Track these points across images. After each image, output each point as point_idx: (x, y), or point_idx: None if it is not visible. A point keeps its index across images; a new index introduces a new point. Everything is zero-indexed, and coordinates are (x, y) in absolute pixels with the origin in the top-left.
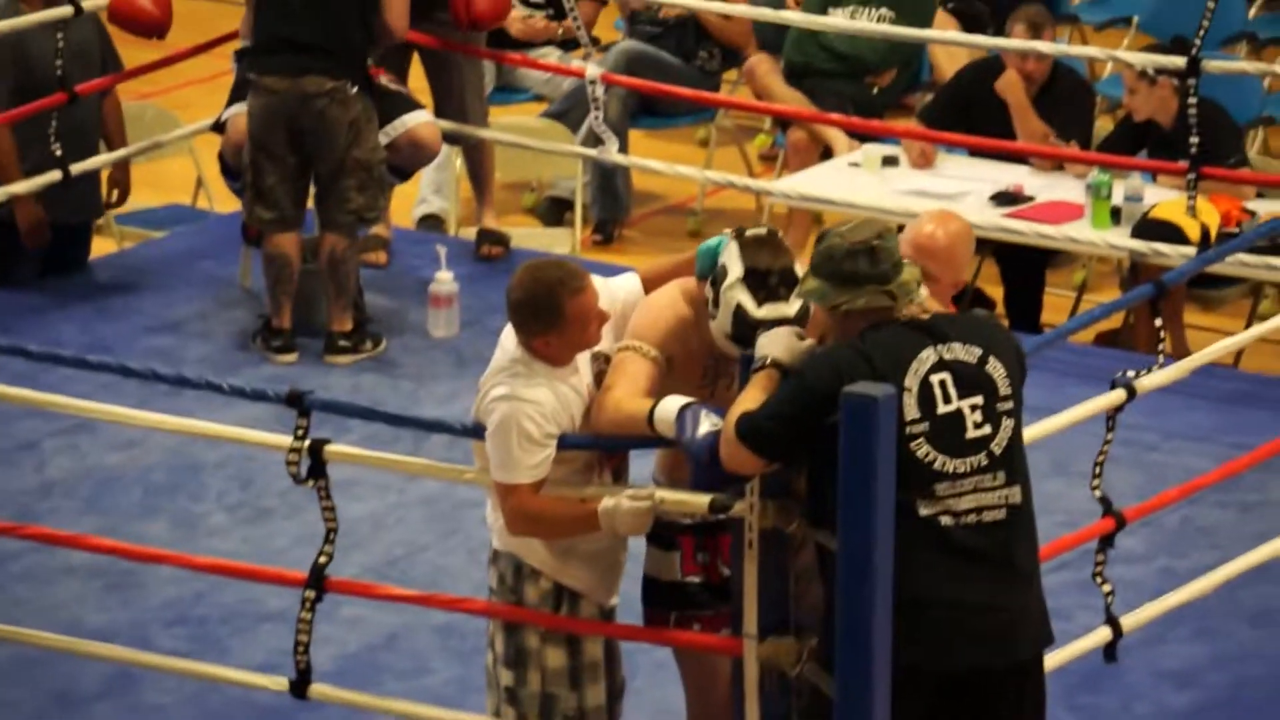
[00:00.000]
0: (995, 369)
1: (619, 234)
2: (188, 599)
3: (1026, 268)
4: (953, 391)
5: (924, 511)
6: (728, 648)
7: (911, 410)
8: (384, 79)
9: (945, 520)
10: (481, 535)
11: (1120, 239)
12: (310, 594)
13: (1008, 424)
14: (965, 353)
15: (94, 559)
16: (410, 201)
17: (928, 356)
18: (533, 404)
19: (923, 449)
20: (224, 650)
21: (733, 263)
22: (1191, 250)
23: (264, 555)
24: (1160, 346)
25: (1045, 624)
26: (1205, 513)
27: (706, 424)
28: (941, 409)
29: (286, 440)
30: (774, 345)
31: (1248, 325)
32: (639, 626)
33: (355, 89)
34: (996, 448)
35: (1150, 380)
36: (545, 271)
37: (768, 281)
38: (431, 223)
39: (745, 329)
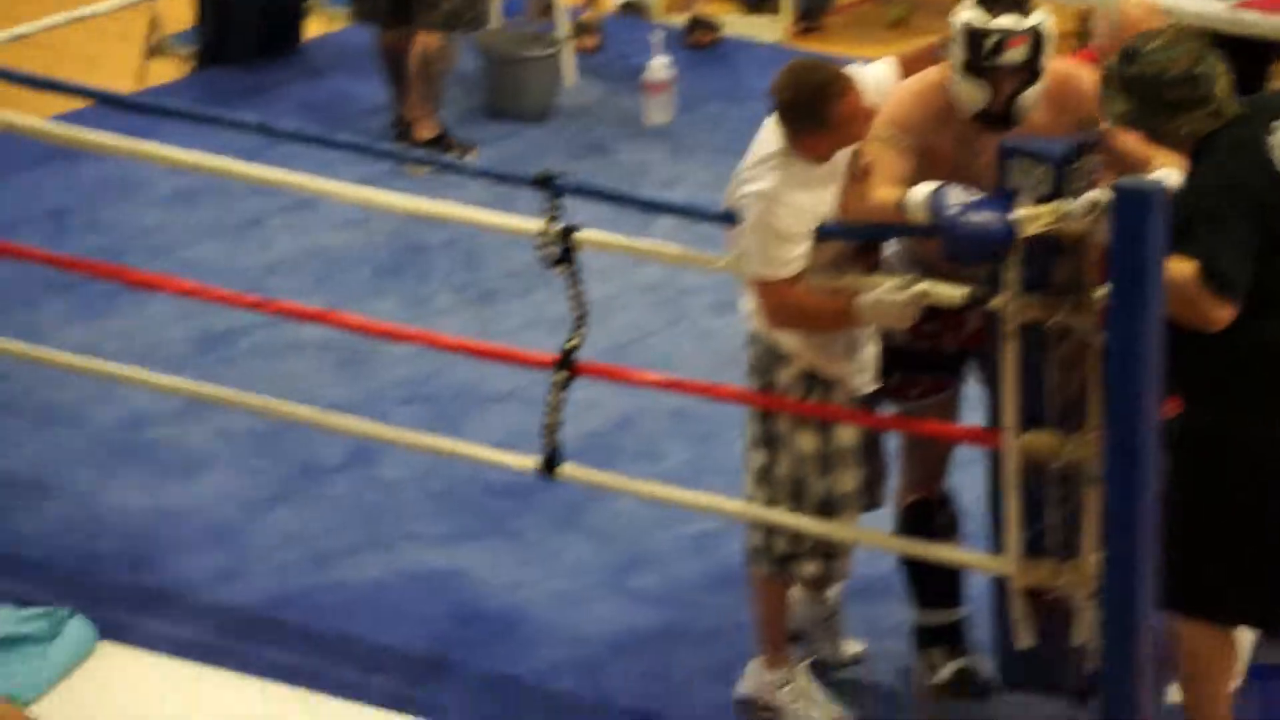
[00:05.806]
0: None
1: (824, 22)
2: (419, 377)
3: (1255, 65)
4: None
5: None
6: (988, 441)
7: None
8: None
9: None
10: (707, 322)
11: None
12: (561, 376)
13: None
14: None
15: (322, 336)
16: None
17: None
18: (787, 201)
19: None
20: (458, 429)
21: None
22: None
23: (493, 336)
24: None
25: None
26: None
27: (958, 200)
28: None
29: (531, 224)
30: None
31: None
32: (886, 415)
33: None
34: None
35: None
36: (812, 74)
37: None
38: (632, 9)
39: (980, 51)
